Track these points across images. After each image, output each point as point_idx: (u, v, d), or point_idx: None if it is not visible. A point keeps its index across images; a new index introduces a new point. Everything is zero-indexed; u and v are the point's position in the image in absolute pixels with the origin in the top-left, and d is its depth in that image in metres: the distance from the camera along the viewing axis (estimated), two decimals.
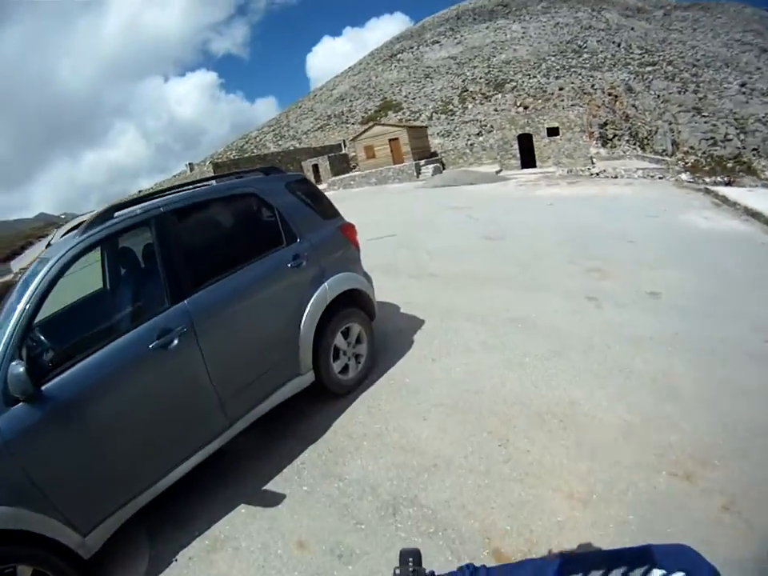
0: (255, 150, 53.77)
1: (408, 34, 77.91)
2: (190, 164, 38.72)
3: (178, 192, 2.88)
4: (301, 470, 2.67)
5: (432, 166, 24.91)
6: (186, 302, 2.44)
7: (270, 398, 2.81)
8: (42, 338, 2.29)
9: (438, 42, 64.13)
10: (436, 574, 0.57)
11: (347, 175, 29.42)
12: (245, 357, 2.68)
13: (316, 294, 3.05)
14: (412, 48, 66.05)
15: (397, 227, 9.70)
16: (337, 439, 2.88)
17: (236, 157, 46.48)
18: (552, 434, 2.61)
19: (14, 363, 1.80)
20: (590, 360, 3.32)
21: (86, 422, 2.03)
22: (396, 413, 3.03)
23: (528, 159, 22.44)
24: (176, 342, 2.32)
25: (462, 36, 62.33)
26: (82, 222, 2.41)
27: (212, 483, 2.69)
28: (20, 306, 1.96)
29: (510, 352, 3.57)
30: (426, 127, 33.77)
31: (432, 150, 30.99)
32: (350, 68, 74.99)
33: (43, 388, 1.90)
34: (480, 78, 46.67)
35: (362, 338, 3.48)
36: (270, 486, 2.58)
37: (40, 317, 2.21)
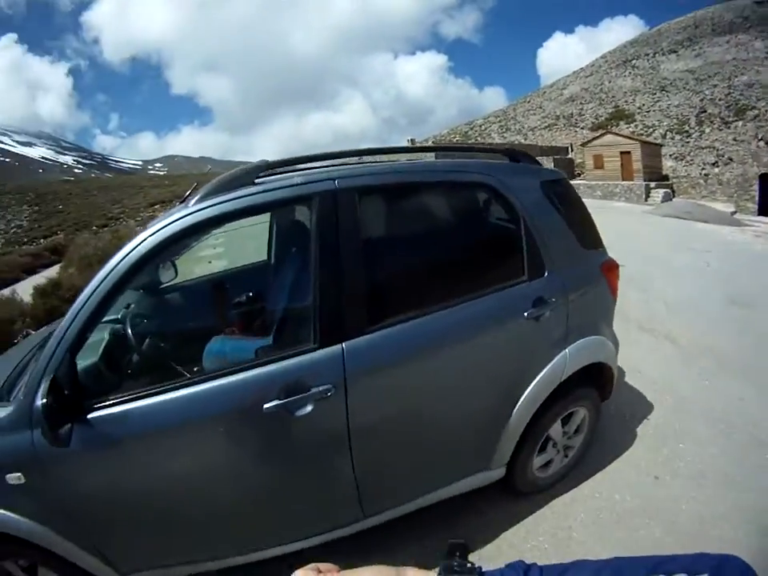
0: (479, 138, 51.93)
1: (643, 39, 69.44)
2: (411, 140, 36.82)
3: (367, 163, 1.89)
4: None
5: (663, 191, 22.16)
6: (343, 345, 1.53)
7: (430, 496, 1.85)
8: (104, 347, 1.73)
9: (674, 52, 56.07)
10: (484, 570, 0.48)
11: (572, 182, 27.15)
12: (415, 441, 1.74)
13: (550, 365, 1.91)
14: (647, 55, 58.89)
15: (625, 257, 7.91)
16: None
17: (458, 141, 46.17)
18: None
19: (42, 388, 1.24)
20: None
21: (134, 468, 1.46)
22: (589, 550, 1.87)
23: (767, 205, 17.71)
24: (310, 408, 1.47)
25: (700, 48, 53.70)
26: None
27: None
28: (77, 301, 1.37)
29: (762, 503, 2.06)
30: (661, 146, 29.23)
31: (664, 173, 26.94)
32: (581, 69, 69.71)
33: (90, 416, 1.37)
34: (719, 100, 39.20)
35: (583, 427, 2.30)
36: None
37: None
